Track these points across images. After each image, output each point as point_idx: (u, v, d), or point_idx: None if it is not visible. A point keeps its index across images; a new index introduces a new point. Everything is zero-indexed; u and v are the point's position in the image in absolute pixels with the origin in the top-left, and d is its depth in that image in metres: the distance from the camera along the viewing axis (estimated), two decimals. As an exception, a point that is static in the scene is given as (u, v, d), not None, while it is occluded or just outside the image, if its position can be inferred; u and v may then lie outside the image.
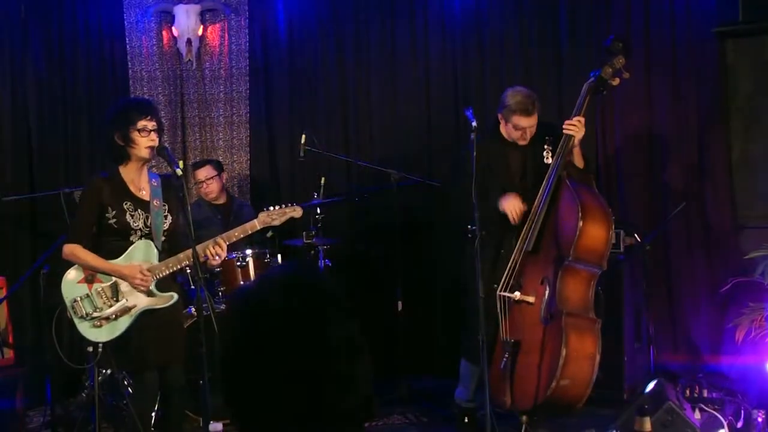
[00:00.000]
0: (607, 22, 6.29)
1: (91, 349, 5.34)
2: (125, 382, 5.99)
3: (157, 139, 4.26)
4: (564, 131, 4.84)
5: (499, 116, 5.04)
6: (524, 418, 4.83)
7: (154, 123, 4.26)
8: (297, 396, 1.52)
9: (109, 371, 5.96)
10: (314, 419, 1.53)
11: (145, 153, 4.26)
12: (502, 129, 5.06)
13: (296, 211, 4.51)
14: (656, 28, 6.17)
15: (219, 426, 5.31)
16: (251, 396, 1.55)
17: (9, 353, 5.27)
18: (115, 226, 4.26)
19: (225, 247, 4.32)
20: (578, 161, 4.94)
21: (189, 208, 4.15)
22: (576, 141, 4.84)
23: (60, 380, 6.18)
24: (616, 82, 4.89)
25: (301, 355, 1.52)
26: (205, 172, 6.41)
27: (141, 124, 4.21)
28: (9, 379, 5.22)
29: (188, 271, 4.38)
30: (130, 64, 7.14)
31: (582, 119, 4.83)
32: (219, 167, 6.52)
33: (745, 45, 5.94)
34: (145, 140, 4.23)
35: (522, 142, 5.01)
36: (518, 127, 4.95)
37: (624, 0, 6.25)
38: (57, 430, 5.50)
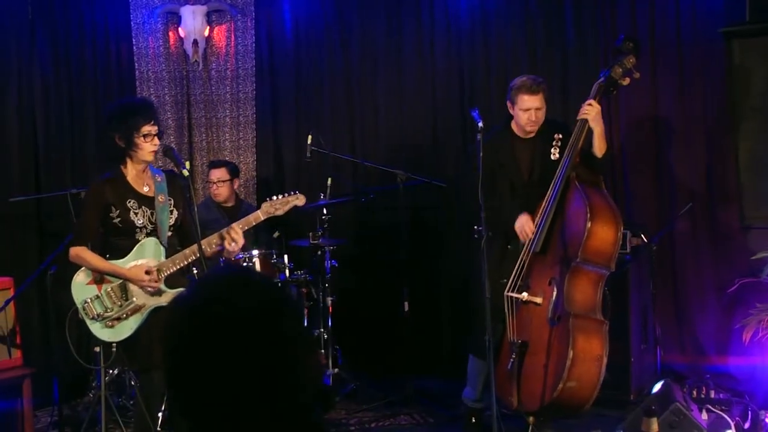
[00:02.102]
0: (613, 20, 6.29)
1: (98, 349, 5.37)
2: (131, 383, 6.01)
3: (158, 143, 4.28)
4: (578, 117, 4.84)
5: (508, 105, 5.04)
6: (531, 419, 4.83)
7: (157, 127, 4.27)
8: (252, 394, 1.51)
9: (116, 371, 5.99)
10: (272, 415, 1.52)
11: (149, 157, 4.28)
12: (513, 124, 5.07)
13: (299, 199, 4.47)
14: (662, 28, 6.16)
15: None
16: (207, 400, 1.53)
17: (17, 354, 5.28)
18: (120, 225, 4.26)
19: (240, 234, 4.30)
20: (600, 145, 4.88)
21: (195, 209, 4.16)
22: (591, 123, 4.81)
23: (67, 381, 6.19)
24: (626, 82, 4.87)
25: (254, 353, 1.51)
26: (218, 174, 6.42)
27: (145, 129, 4.22)
28: (17, 379, 5.22)
29: (194, 271, 4.36)
30: (136, 64, 7.16)
31: (593, 101, 4.83)
32: (234, 172, 6.53)
33: (753, 45, 5.93)
34: (148, 145, 4.24)
35: (530, 128, 5.00)
36: (524, 108, 4.94)
37: (630, -1, 6.26)
38: (64, 430, 5.51)
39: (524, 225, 4.90)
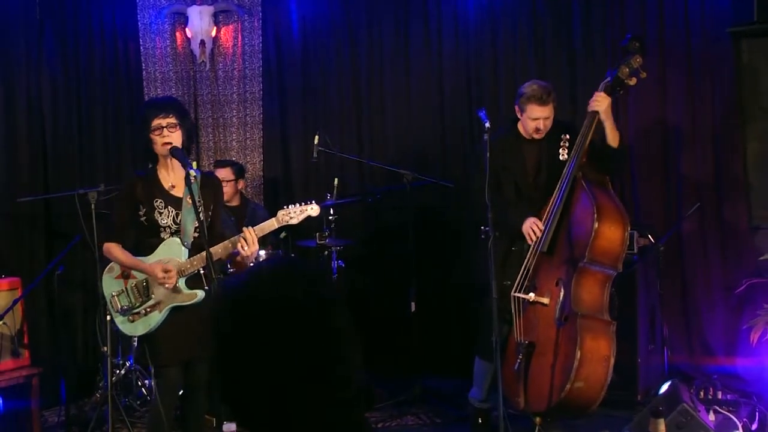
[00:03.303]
0: (621, 19, 6.28)
1: (106, 348, 5.40)
2: (138, 383, 6.04)
3: (172, 135, 4.23)
4: (588, 109, 4.82)
5: (516, 109, 5.03)
6: (538, 419, 4.82)
7: (171, 119, 4.24)
8: (299, 388, 1.50)
9: (123, 371, 6.01)
10: (315, 408, 1.51)
11: (162, 151, 4.27)
12: (519, 125, 5.06)
13: (314, 210, 4.47)
14: (670, 28, 6.15)
15: (233, 426, 5.33)
16: (252, 390, 1.53)
17: (24, 354, 5.30)
18: (146, 224, 4.30)
19: (255, 242, 4.29)
20: (613, 136, 4.84)
21: (201, 210, 4.16)
22: (602, 115, 4.79)
23: (74, 380, 6.22)
24: (632, 81, 4.85)
25: (302, 346, 1.51)
26: (222, 173, 6.38)
27: (155, 123, 4.22)
28: (24, 379, 5.24)
29: (202, 272, 4.36)
30: (143, 64, 7.18)
31: (602, 93, 4.81)
32: (239, 173, 6.50)
33: (761, 45, 5.91)
34: (158, 138, 4.24)
35: (537, 136, 4.99)
36: (533, 117, 4.92)
37: (638, -1, 6.25)
38: (71, 430, 5.53)
39: (531, 225, 4.89)
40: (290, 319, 1.52)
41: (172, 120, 4.25)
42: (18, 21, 6.75)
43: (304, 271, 1.62)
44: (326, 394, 1.52)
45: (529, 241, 4.88)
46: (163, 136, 4.23)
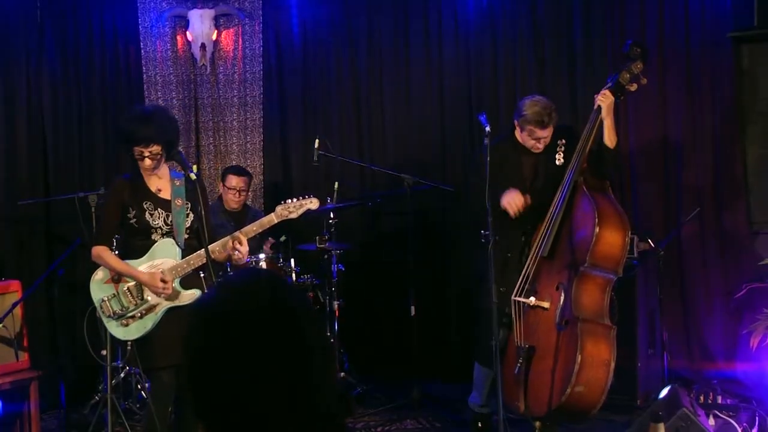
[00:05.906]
0: (621, 27, 6.28)
1: (105, 352, 5.39)
2: (138, 386, 6.03)
3: (154, 163, 4.27)
4: (595, 105, 4.83)
5: (516, 124, 5.03)
6: (538, 423, 4.82)
7: (153, 148, 4.23)
8: (276, 400, 1.50)
9: (122, 375, 6.00)
10: (290, 421, 1.51)
11: (147, 172, 4.33)
12: (518, 134, 5.06)
13: (313, 203, 4.45)
14: (671, 33, 6.15)
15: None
16: (226, 404, 1.52)
17: (24, 356, 5.29)
18: (136, 226, 4.30)
19: (245, 242, 4.30)
20: (610, 136, 4.84)
21: (202, 213, 4.16)
22: (605, 111, 4.80)
23: (74, 384, 6.21)
24: (633, 87, 4.86)
25: (273, 358, 1.51)
26: (242, 183, 6.38)
27: (137, 150, 4.24)
28: (24, 382, 5.24)
29: (202, 274, 4.36)
30: (144, 68, 7.18)
31: (607, 91, 4.82)
32: (250, 183, 6.55)
33: (761, 50, 5.93)
34: (143, 163, 4.28)
35: (536, 151, 5.00)
36: (533, 138, 4.94)
37: (638, 2, 6.24)
38: (71, 433, 5.53)
39: (509, 200, 4.82)
40: (260, 332, 1.52)
41: (155, 149, 4.24)
42: (18, 22, 6.76)
43: (273, 283, 1.62)
44: (302, 405, 1.51)
45: (512, 213, 4.82)
46: (146, 164, 4.26)
